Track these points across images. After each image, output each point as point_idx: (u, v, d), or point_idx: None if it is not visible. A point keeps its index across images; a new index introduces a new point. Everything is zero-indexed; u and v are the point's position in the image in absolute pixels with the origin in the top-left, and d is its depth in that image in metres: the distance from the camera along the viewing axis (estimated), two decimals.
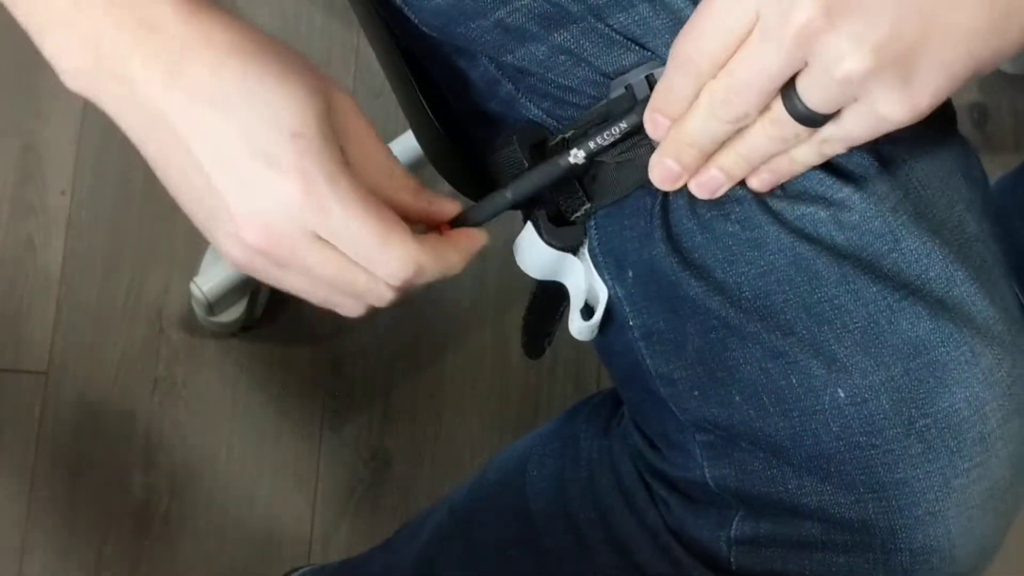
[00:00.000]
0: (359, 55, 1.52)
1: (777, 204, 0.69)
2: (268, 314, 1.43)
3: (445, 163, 0.91)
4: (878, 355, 0.68)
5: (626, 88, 0.71)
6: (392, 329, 1.44)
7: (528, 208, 0.74)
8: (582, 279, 0.75)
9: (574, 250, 0.75)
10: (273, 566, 1.37)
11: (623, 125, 0.69)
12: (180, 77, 0.61)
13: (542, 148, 0.73)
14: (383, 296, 0.67)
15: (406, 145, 1.38)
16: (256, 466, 1.40)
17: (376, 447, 1.41)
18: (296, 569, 1.30)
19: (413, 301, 1.39)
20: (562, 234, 0.74)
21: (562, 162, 0.71)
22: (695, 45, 0.63)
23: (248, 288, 1.37)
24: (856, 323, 0.69)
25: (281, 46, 0.64)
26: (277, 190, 0.62)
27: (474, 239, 0.70)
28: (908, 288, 0.69)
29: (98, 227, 1.46)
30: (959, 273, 0.69)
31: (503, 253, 1.51)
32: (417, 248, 0.65)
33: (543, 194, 0.73)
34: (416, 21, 0.78)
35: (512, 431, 1.42)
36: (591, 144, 0.70)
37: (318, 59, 1.51)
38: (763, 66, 0.61)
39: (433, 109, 0.86)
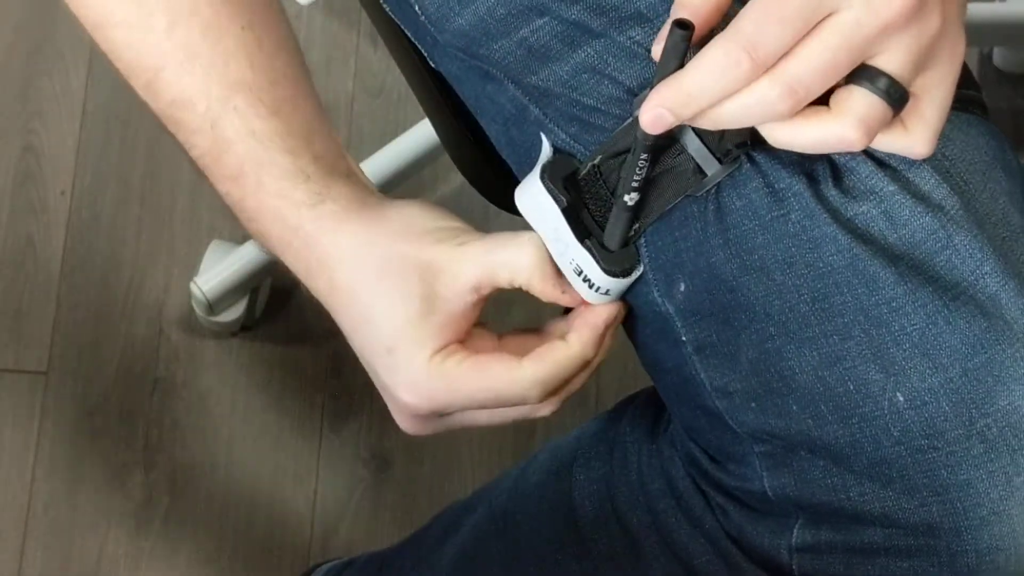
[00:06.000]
0: (359, 56, 1.52)
1: (834, 201, 0.69)
2: (268, 314, 1.43)
3: (482, 181, 0.92)
4: (936, 357, 0.68)
5: None
6: None
7: (579, 238, 0.73)
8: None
9: (632, 271, 0.74)
10: (273, 566, 1.37)
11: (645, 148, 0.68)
12: (312, 287, 0.74)
13: (574, 179, 0.73)
14: (544, 414, 0.74)
15: (406, 144, 1.38)
16: (256, 466, 1.40)
17: (376, 447, 1.41)
18: (320, 565, 1.30)
19: None
20: (618, 258, 0.73)
21: (624, 209, 0.71)
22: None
23: (248, 288, 1.38)
24: (914, 325, 0.68)
25: (398, 246, 0.73)
26: (396, 400, 0.73)
27: (596, 322, 0.74)
28: (963, 286, 0.69)
29: (98, 227, 1.46)
30: (1010, 267, 0.69)
31: None
32: (535, 374, 0.72)
33: (590, 225, 0.73)
34: (442, 42, 0.78)
35: (512, 431, 1.41)
36: (634, 179, 0.69)
37: (318, 60, 1.51)
38: None
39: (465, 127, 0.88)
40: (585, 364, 0.74)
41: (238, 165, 0.72)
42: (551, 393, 0.73)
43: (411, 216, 0.73)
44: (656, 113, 0.64)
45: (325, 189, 0.72)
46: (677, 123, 0.65)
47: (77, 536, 1.37)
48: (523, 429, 1.42)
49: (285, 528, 1.38)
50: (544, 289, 0.73)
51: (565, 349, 0.73)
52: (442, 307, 0.72)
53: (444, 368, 0.71)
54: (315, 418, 1.41)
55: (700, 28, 0.64)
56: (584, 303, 0.74)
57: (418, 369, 0.72)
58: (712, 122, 0.65)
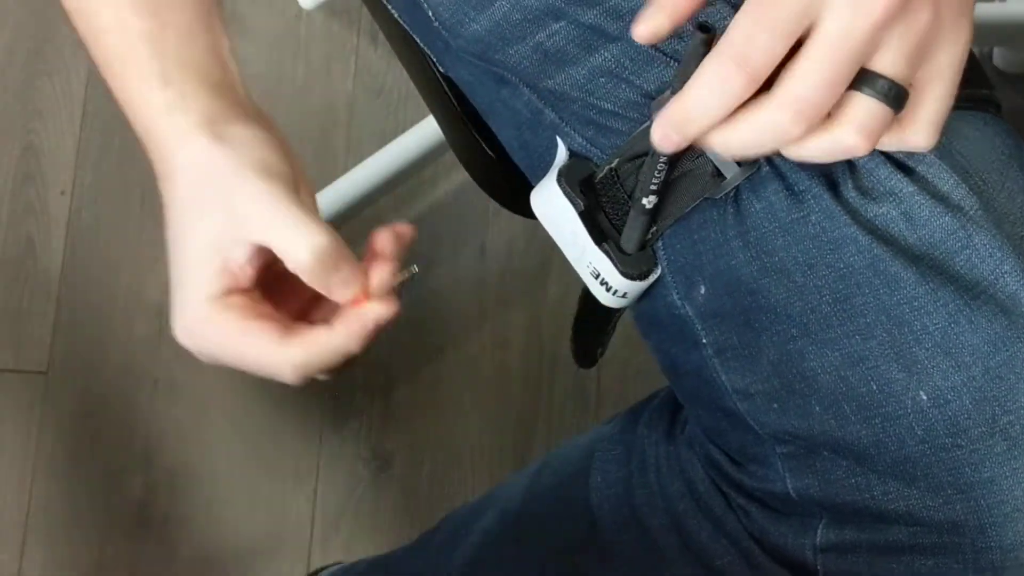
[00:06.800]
0: (359, 55, 1.52)
1: (853, 202, 0.69)
2: None
3: (491, 184, 0.92)
4: (958, 355, 0.69)
5: None
6: (392, 330, 1.44)
7: (596, 241, 0.73)
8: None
9: (649, 274, 0.74)
10: (273, 566, 1.37)
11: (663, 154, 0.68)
12: (160, 188, 0.72)
13: (590, 182, 0.73)
14: (289, 383, 0.72)
15: (406, 144, 1.38)
16: (256, 466, 1.40)
17: (376, 447, 1.41)
18: (324, 568, 1.30)
19: (413, 302, 1.39)
20: (636, 261, 0.73)
21: (642, 212, 0.71)
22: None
23: None
24: (936, 324, 0.69)
25: (215, 180, 0.70)
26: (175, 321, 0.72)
27: (365, 319, 0.73)
28: (983, 285, 0.69)
29: (98, 227, 1.46)
30: None
31: (503, 253, 1.50)
32: (294, 357, 0.71)
33: (607, 229, 0.73)
34: (455, 48, 0.78)
35: (512, 431, 1.42)
36: (652, 182, 0.69)
37: (318, 60, 1.51)
38: None
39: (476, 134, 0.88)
40: (346, 356, 0.73)
41: (108, 56, 0.72)
42: (306, 376, 0.73)
43: (244, 147, 0.71)
44: (662, 133, 0.63)
45: (181, 100, 0.71)
46: (687, 143, 0.63)
47: (77, 536, 1.37)
48: (524, 431, 1.42)
49: (285, 528, 1.38)
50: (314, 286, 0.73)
51: (329, 339, 0.72)
52: (222, 251, 0.70)
53: (219, 319, 0.71)
54: (315, 418, 1.41)
55: (678, 23, 0.62)
56: (358, 299, 0.73)
57: (194, 313, 0.71)
58: (725, 148, 0.63)
